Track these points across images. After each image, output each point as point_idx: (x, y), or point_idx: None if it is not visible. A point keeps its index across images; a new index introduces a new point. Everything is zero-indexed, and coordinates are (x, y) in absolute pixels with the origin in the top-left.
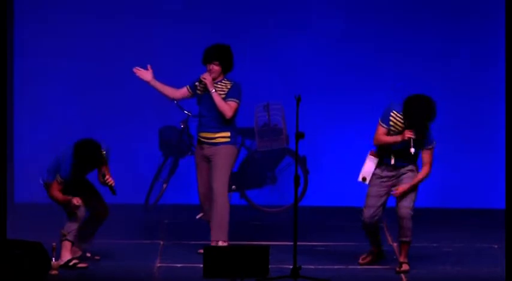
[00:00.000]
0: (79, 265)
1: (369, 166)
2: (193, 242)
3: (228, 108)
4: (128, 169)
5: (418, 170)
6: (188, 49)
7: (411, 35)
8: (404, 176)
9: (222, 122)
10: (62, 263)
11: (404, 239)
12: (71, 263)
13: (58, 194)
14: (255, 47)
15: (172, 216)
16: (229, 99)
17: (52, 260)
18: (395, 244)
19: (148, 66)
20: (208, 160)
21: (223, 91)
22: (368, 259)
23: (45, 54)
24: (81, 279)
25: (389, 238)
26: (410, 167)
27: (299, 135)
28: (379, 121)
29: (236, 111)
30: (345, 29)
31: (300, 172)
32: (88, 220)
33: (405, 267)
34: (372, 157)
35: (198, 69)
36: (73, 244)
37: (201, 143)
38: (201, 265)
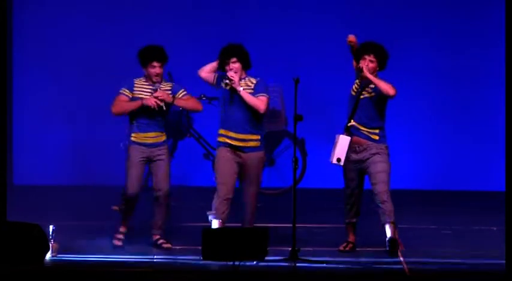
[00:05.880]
0: (164, 245)
1: (342, 145)
2: (192, 224)
3: (259, 102)
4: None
5: (387, 151)
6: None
7: (412, 19)
8: (374, 157)
9: (253, 124)
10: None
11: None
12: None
13: (124, 104)
14: (253, 28)
15: (171, 198)
16: (259, 94)
17: (51, 242)
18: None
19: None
20: (239, 162)
21: (249, 87)
22: (349, 246)
23: (44, 40)
24: (79, 264)
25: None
26: (376, 147)
27: (297, 118)
28: None
29: (268, 106)
30: (344, 12)
31: (299, 154)
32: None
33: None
34: (342, 136)
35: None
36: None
37: (230, 145)
38: (200, 247)
